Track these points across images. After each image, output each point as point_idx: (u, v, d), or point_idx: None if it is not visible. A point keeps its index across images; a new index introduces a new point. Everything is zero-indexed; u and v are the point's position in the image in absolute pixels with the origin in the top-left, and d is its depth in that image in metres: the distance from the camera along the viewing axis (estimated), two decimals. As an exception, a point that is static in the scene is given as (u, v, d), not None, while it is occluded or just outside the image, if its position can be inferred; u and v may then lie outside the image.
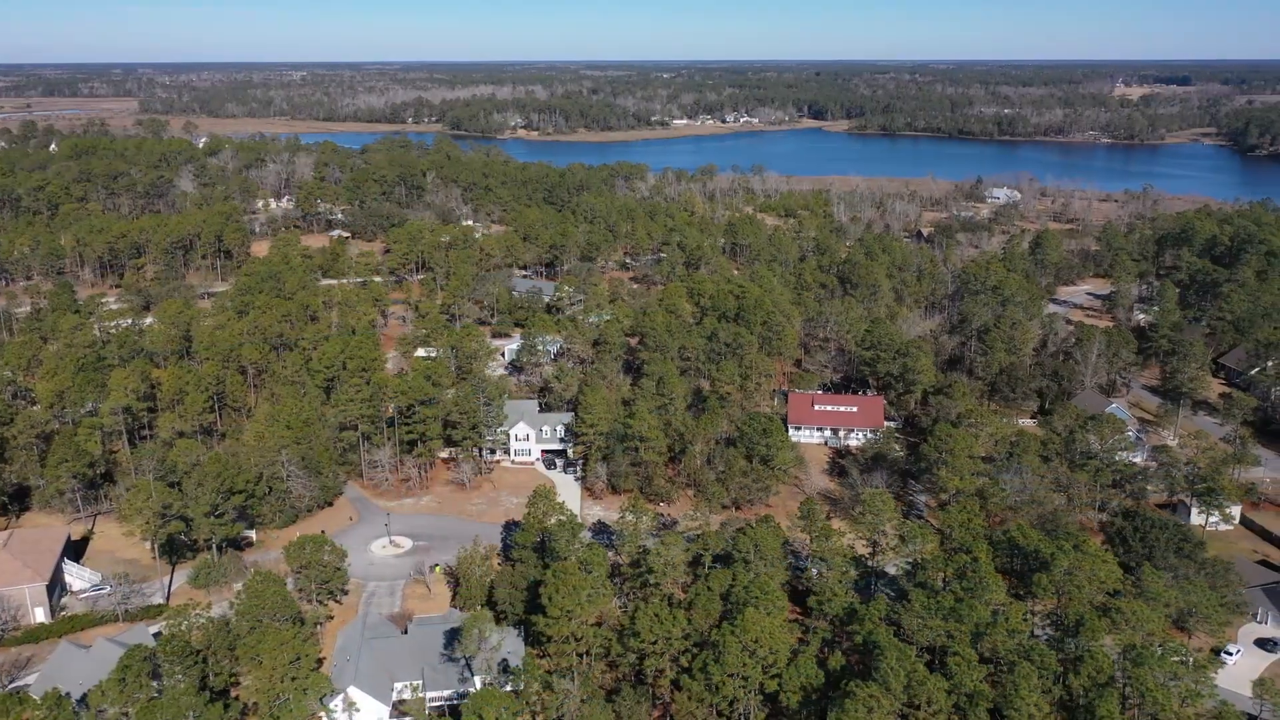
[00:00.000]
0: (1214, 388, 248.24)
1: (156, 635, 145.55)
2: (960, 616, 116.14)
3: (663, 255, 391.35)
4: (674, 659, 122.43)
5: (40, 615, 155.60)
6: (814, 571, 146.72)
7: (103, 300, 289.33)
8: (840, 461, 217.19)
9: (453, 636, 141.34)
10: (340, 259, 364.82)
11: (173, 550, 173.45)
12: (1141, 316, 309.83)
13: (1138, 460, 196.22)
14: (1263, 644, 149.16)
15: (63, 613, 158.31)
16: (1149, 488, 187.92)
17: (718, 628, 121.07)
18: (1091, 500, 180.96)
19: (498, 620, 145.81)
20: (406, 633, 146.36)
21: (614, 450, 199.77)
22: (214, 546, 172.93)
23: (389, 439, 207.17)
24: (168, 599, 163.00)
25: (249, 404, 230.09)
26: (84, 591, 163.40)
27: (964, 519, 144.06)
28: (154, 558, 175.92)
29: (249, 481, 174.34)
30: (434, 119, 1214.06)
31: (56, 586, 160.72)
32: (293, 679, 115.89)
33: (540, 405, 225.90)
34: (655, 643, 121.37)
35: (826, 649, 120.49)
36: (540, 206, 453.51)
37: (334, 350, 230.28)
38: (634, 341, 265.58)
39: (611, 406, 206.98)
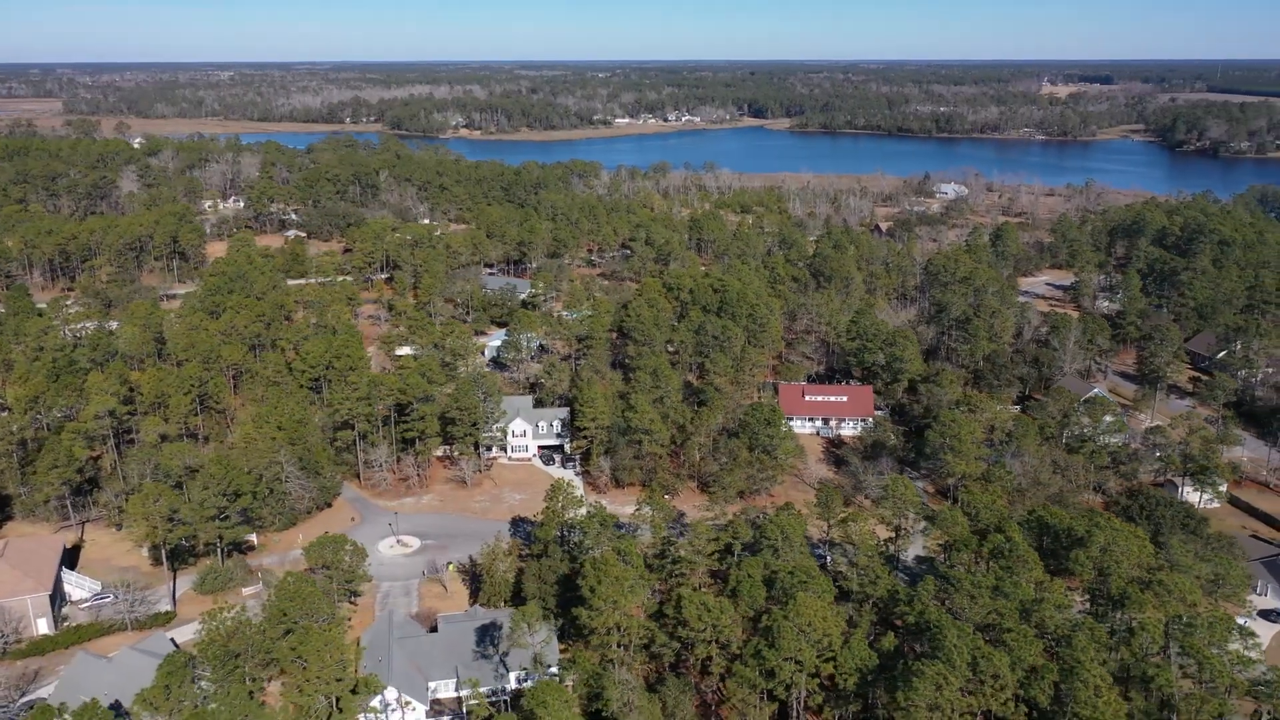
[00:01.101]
0: (1183, 372, 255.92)
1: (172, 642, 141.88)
2: (1006, 594, 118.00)
3: (628, 251, 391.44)
4: (723, 646, 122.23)
5: (43, 626, 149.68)
6: (833, 558, 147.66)
7: (66, 304, 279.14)
8: (835, 451, 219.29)
9: (484, 633, 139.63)
10: (300, 259, 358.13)
11: (175, 556, 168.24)
12: (1105, 305, 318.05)
13: (1117, 441, 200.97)
14: (1266, 615, 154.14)
15: (65, 623, 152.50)
16: (1139, 468, 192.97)
17: (766, 614, 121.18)
18: (1088, 482, 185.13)
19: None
20: (435, 631, 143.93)
21: (617, 444, 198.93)
22: (219, 551, 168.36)
23: (384, 438, 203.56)
24: (174, 605, 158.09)
25: (231, 406, 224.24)
26: (86, 601, 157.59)
27: (988, 500, 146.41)
28: (155, 564, 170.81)
29: (252, 483, 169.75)
30: (372, 119, 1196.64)
31: (57, 596, 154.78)
32: (338, 680, 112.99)
33: (534, 401, 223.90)
34: (705, 630, 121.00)
35: (876, 631, 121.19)
36: (501, 204, 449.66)
37: (319, 349, 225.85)
38: (613, 337, 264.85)
39: (610, 400, 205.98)
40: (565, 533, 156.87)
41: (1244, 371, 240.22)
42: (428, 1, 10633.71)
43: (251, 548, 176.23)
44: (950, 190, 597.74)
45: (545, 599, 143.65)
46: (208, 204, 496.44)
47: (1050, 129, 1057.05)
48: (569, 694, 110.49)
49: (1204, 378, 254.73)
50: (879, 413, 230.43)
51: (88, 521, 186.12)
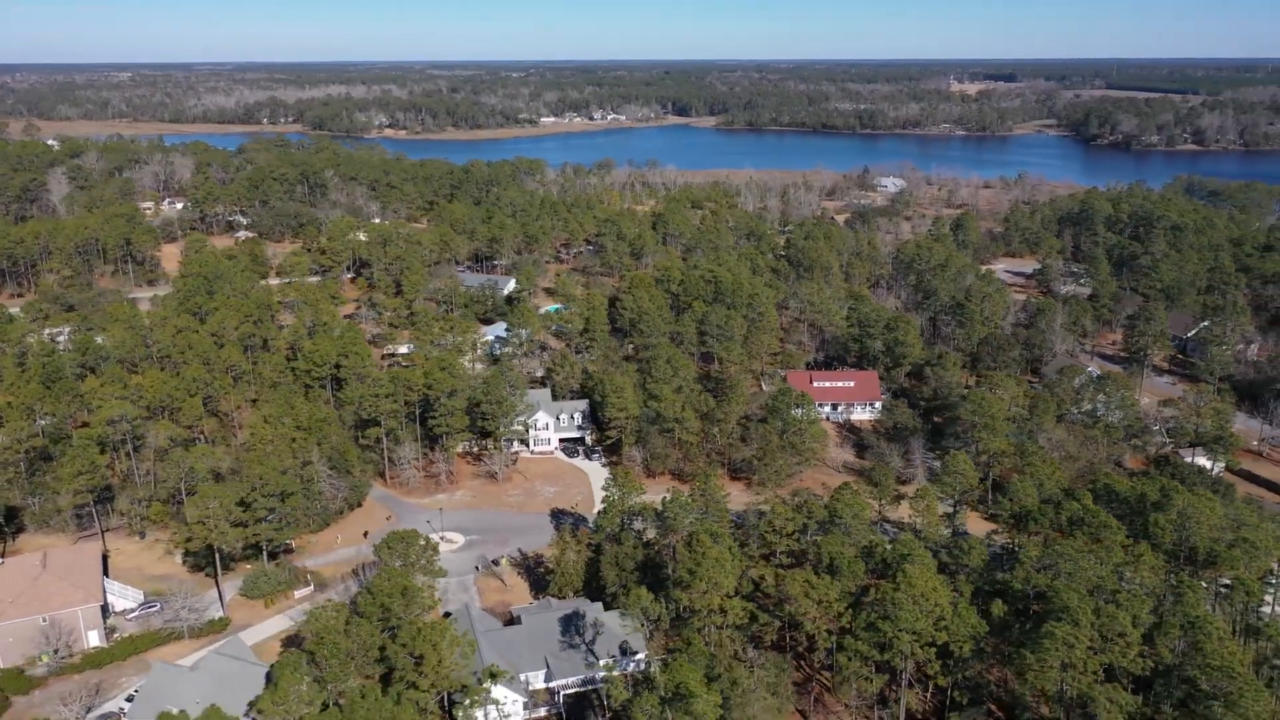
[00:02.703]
0: (1168, 349, 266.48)
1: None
2: (1099, 559, 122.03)
3: (593, 247, 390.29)
4: (832, 621, 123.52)
5: (95, 639, 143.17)
6: (902, 536, 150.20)
7: (41, 309, 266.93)
8: (849, 435, 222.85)
9: (569, 623, 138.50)
10: (260, 260, 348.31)
11: (218, 562, 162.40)
12: (1075, 289, 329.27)
13: (1127, 417, 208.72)
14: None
15: (115, 634, 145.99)
16: (1149, 441, 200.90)
17: (873, 587, 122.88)
18: (1108, 455, 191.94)
19: (606, 605, 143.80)
20: (513, 624, 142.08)
21: (647, 433, 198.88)
22: (262, 554, 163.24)
23: (410, 435, 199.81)
24: (224, 612, 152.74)
25: (230, 408, 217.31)
26: (133, 611, 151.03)
27: (1049, 470, 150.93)
28: (193, 571, 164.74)
29: (295, 484, 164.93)
30: (291, 119, 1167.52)
31: (104, 607, 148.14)
32: (471, 670, 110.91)
33: (552, 394, 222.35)
34: (811, 607, 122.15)
35: (981, 599, 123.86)
36: (458, 202, 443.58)
37: (326, 349, 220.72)
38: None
39: (635, 391, 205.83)
40: (627, 520, 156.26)
41: (1220, 348, 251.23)
42: (333, 2, 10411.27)
43: (289, 550, 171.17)
44: (889, 184, 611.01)
45: (627, 585, 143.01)
46: (147, 206, 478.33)
47: (969, 124, 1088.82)
48: (698, 672, 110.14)
49: (1178, 356, 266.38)
50: (886, 396, 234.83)
51: (108, 530, 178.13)
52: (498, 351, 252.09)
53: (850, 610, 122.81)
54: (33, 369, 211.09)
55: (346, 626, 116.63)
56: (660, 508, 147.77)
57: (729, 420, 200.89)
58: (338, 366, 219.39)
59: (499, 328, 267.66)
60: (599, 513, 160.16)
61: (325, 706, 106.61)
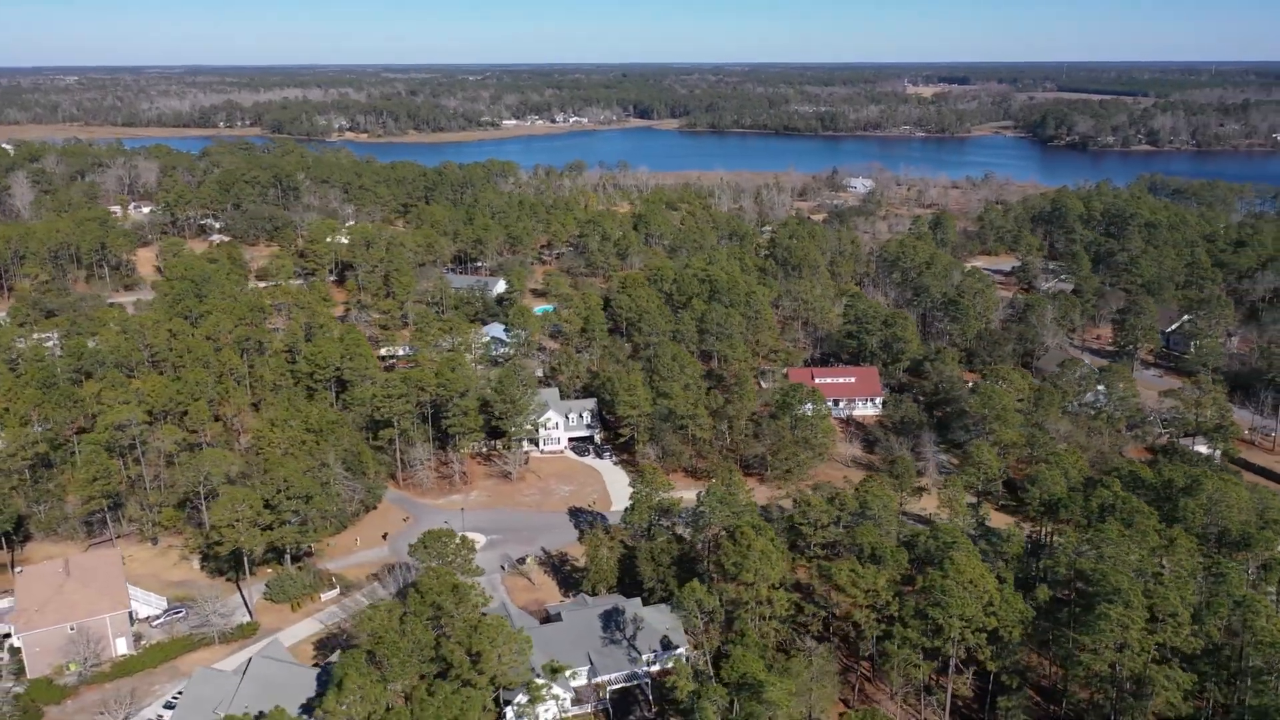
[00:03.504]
0: (1156, 342, 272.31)
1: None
2: (1136, 544, 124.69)
3: (576, 248, 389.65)
4: (877, 610, 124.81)
5: (122, 646, 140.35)
6: (933, 526, 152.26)
7: (25, 314, 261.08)
8: (854, 431, 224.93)
9: (609, 619, 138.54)
10: (239, 263, 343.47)
11: (237, 566, 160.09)
12: (1057, 285, 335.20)
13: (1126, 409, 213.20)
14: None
15: (141, 641, 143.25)
16: (1150, 431, 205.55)
17: (920, 575, 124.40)
18: (1113, 445, 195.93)
19: (644, 601, 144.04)
20: (549, 621, 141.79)
21: (660, 430, 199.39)
22: (285, 557, 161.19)
23: (422, 435, 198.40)
24: (251, 616, 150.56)
25: (236, 411, 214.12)
26: (158, 618, 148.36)
27: (1074, 459, 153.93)
28: (211, 576, 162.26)
29: (316, 486, 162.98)
30: (248, 122, 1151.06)
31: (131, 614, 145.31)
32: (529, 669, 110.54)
33: (560, 393, 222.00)
34: (859, 595, 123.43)
35: (1019, 587, 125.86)
36: (435, 204, 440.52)
37: (329, 350, 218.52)
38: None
39: (645, 388, 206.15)
40: (657, 517, 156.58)
41: (1214, 340, 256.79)
42: (284, 5, 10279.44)
43: (309, 554, 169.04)
44: (859, 184, 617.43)
45: (665, 580, 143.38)
46: (113, 210, 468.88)
47: (929, 126, 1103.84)
48: (760, 662, 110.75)
49: (1163, 349, 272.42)
50: (884, 392, 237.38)
51: (119, 537, 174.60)
52: (496, 352, 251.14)
53: (897, 599, 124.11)
54: (29, 374, 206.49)
55: (400, 625, 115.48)
56: (696, 503, 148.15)
57: (740, 416, 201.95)
58: (337, 369, 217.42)
59: (493, 329, 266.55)
60: (627, 510, 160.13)
61: (388, 707, 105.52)
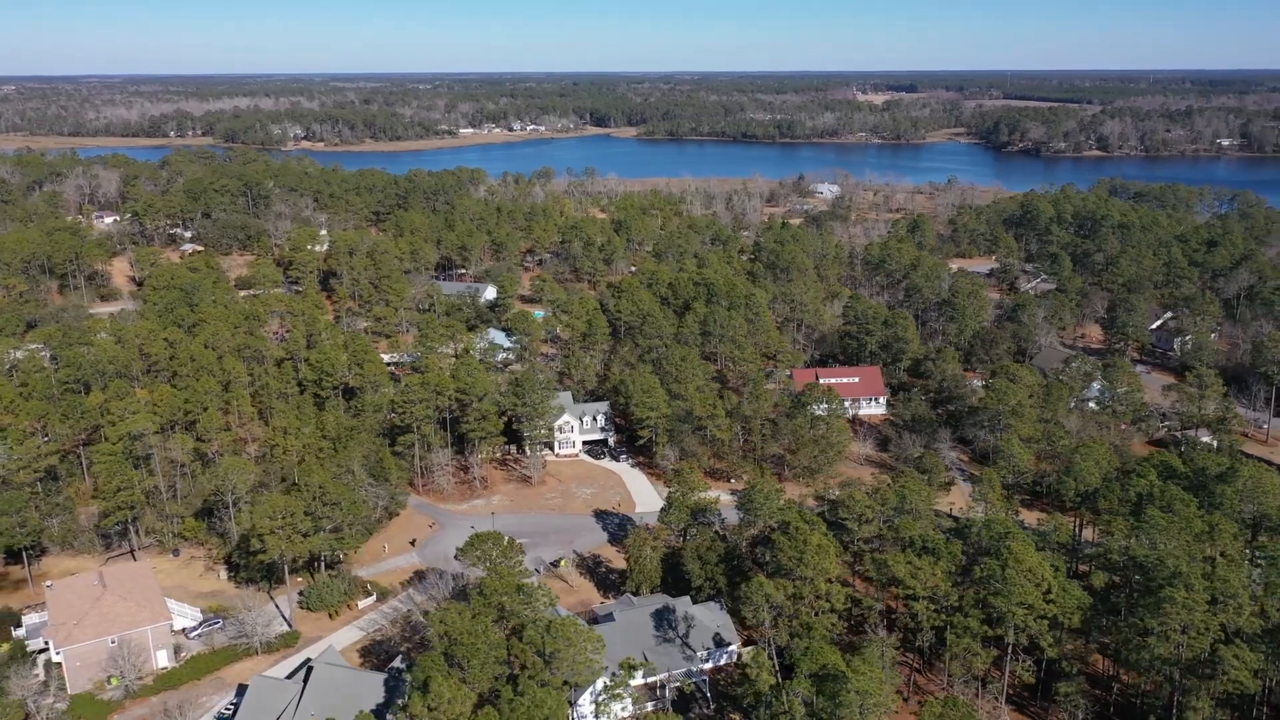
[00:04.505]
0: (1147, 338, 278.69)
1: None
2: (1180, 529, 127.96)
3: (559, 254, 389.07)
4: (935, 600, 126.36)
5: (163, 659, 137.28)
6: (968, 517, 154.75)
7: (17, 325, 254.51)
8: (860, 430, 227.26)
9: (660, 618, 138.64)
10: (216, 272, 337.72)
11: (286, 573, 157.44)
12: (1034, 285, 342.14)
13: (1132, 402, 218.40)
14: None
15: (181, 653, 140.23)
16: (1153, 424, 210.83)
17: (977, 565, 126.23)
18: (1122, 438, 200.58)
19: (693, 599, 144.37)
20: (597, 622, 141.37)
21: (679, 432, 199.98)
22: (318, 565, 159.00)
23: (441, 441, 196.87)
24: (290, 625, 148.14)
25: (245, 420, 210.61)
26: (195, 629, 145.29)
27: (1102, 453, 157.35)
28: (240, 585, 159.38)
29: (347, 493, 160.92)
30: (199, 132, 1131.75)
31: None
32: (602, 667, 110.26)
33: (572, 397, 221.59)
34: (925, 585, 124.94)
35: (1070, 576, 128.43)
36: (416, 211, 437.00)
37: (336, 357, 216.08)
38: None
39: (661, 390, 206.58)
40: (696, 516, 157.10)
41: (1208, 336, 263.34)
42: (226, 15, 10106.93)
43: (338, 561, 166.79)
44: (825, 190, 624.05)
45: (714, 579, 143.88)
46: (77, 219, 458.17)
47: (884, 133, 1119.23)
48: (836, 653, 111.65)
49: (1148, 346, 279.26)
50: (888, 391, 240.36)
51: (138, 549, 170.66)
52: (498, 357, 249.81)
53: (956, 589, 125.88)
54: (32, 385, 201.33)
55: (472, 626, 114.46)
56: (736, 502, 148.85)
57: (758, 416, 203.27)
58: (345, 376, 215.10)
59: (489, 335, 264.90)
60: (663, 510, 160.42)
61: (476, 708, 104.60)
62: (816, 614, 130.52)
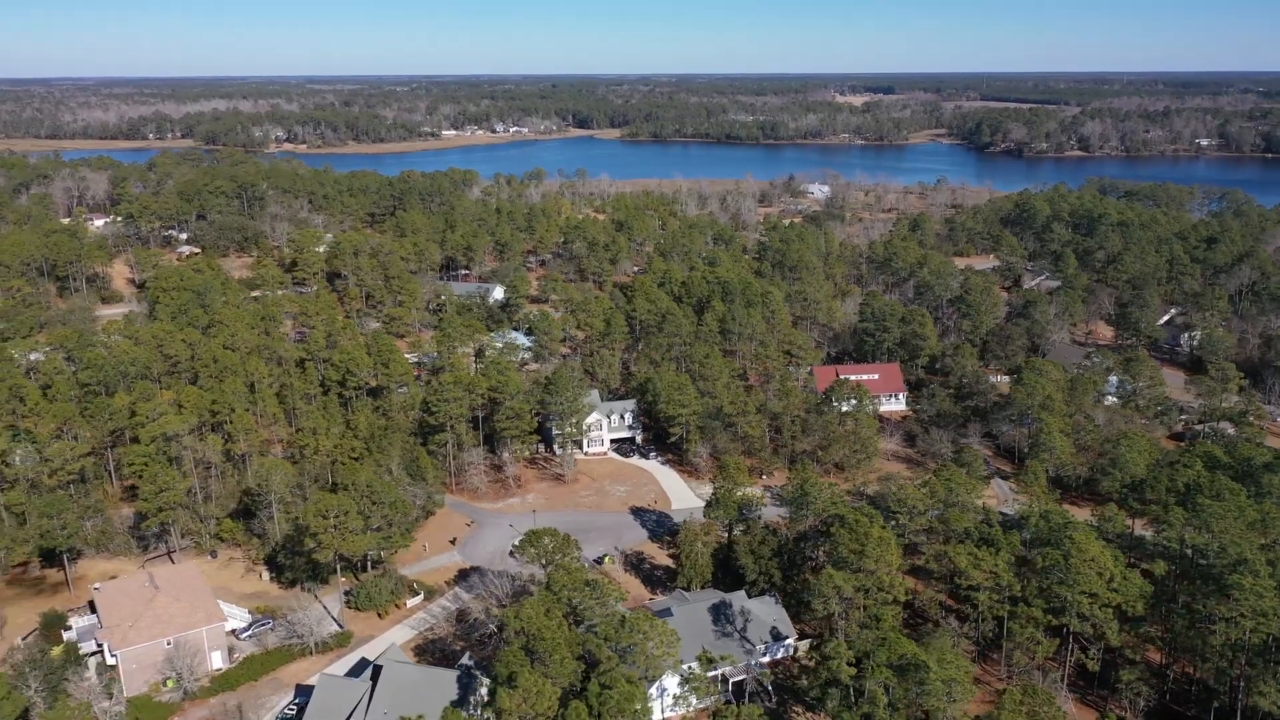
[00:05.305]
0: (1160, 333, 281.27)
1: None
2: (1234, 518, 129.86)
3: (562, 254, 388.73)
4: (998, 591, 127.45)
5: (217, 660, 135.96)
6: (1017, 510, 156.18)
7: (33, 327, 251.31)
8: (885, 425, 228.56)
9: (718, 612, 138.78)
10: (220, 273, 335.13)
11: (314, 576, 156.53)
12: (1038, 282, 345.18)
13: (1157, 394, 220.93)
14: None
15: (234, 654, 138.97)
16: (1175, 417, 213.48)
17: (1040, 555, 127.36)
18: (1146, 430, 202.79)
19: (748, 592, 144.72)
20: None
21: (711, 429, 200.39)
22: (369, 565, 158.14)
23: (474, 440, 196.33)
24: (340, 625, 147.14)
25: (271, 420, 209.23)
26: (246, 630, 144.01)
27: (1144, 444, 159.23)
28: (284, 587, 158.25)
29: (391, 492, 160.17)
30: (179, 134, 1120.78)
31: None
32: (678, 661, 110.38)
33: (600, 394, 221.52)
34: (981, 577, 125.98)
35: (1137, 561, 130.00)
36: (415, 212, 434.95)
37: (360, 357, 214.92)
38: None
39: (692, 388, 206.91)
40: (744, 511, 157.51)
41: (1197, 333, 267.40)
42: (198, 14, 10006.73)
43: (379, 560, 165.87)
44: (817, 190, 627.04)
45: (768, 572, 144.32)
46: (70, 221, 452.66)
47: (867, 134, 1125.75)
48: (912, 644, 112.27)
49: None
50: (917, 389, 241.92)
51: (174, 551, 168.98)
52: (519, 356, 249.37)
53: (1019, 579, 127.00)
54: (56, 388, 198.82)
55: (547, 621, 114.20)
56: (798, 493, 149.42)
57: (788, 413, 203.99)
58: (375, 376, 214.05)
59: (509, 334, 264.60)
60: (708, 505, 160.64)
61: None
62: (884, 604, 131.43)
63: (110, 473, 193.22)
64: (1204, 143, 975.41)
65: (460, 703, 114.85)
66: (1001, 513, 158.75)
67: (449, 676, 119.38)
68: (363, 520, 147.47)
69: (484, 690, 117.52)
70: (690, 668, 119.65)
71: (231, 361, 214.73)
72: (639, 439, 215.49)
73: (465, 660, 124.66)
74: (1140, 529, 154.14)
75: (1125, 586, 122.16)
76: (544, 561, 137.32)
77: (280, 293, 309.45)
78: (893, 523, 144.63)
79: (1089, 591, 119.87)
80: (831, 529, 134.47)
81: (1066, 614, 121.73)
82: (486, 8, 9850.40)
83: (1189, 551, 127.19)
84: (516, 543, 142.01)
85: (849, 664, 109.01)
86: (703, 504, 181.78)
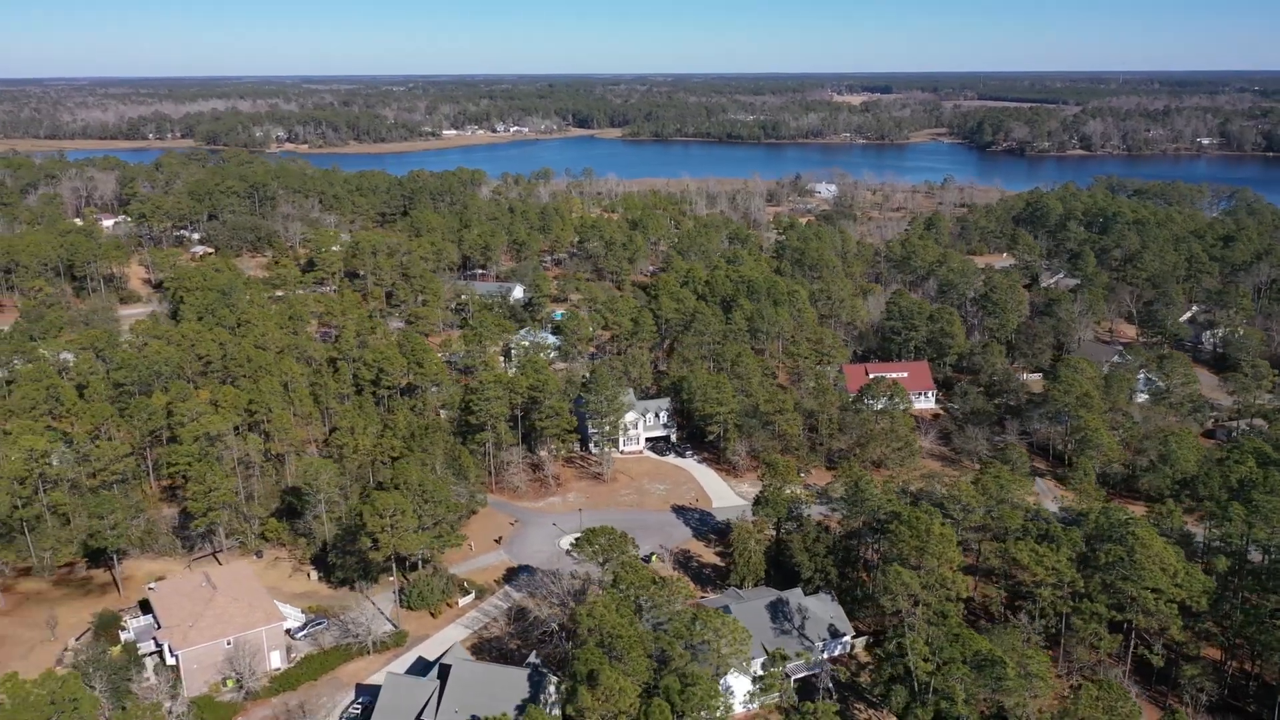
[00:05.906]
0: (1185, 331, 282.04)
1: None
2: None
3: (579, 253, 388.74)
4: (1063, 587, 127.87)
5: (276, 660, 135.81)
6: (1061, 507, 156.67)
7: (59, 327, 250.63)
8: (921, 424, 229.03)
9: (775, 610, 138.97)
10: (238, 272, 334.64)
11: (365, 575, 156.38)
12: (1053, 281, 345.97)
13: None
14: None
15: (292, 654, 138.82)
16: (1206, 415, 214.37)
17: (1102, 551, 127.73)
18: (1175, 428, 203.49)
19: (804, 590, 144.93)
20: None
21: (749, 427, 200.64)
22: (413, 564, 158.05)
23: (512, 439, 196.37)
24: (395, 625, 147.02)
25: (307, 419, 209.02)
26: (301, 630, 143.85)
27: (1190, 439, 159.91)
28: (334, 587, 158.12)
29: (443, 490, 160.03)
30: (179, 134, 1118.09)
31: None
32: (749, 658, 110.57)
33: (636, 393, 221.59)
34: (1043, 574, 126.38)
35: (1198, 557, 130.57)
36: (428, 211, 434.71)
37: (394, 356, 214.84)
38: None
39: (729, 386, 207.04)
40: (793, 509, 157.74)
41: (1220, 330, 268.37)
42: (194, 14, 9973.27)
43: (427, 559, 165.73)
44: (824, 189, 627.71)
45: (824, 570, 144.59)
46: (79, 221, 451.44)
47: (868, 133, 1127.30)
48: (983, 639, 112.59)
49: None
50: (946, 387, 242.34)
51: (219, 551, 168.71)
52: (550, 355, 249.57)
53: (1081, 575, 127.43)
54: (93, 388, 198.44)
55: (619, 619, 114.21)
56: (853, 491, 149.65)
57: (824, 411, 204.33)
58: (410, 375, 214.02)
59: (539, 334, 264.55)
60: (757, 503, 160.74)
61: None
62: (945, 601, 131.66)
63: (149, 473, 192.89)
64: (1205, 141, 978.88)
65: (532, 701, 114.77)
66: (1048, 510, 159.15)
67: (519, 675, 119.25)
68: (416, 519, 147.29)
69: (552, 689, 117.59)
70: (759, 665, 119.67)
71: (265, 361, 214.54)
72: (674, 437, 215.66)
73: (532, 659, 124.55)
74: (1191, 525, 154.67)
75: (1189, 582, 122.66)
76: (602, 559, 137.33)
77: (301, 292, 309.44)
78: (948, 520, 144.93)
79: (1153, 587, 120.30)
80: (890, 526, 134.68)
81: (1129, 610, 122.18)
82: (483, 7, 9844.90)
83: (1249, 547, 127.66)
84: (574, 540, 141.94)
85: (923, 660, 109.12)
86: (743, 502, 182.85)
